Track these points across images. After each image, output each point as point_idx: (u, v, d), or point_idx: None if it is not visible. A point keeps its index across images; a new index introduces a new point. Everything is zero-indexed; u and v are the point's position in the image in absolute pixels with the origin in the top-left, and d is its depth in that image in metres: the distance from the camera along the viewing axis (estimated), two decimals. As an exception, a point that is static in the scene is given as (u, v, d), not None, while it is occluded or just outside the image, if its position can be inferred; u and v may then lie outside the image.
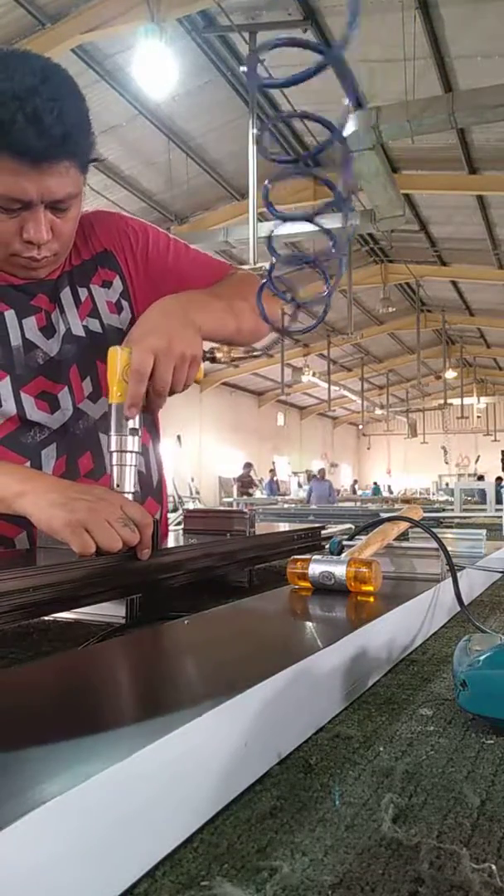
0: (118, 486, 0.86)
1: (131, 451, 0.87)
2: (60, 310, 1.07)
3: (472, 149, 8.66)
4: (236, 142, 8.09)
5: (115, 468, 0.87)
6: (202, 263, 1.20)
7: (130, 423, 0.87)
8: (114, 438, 0.87)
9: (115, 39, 6.57)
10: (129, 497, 0.85)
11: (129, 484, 0.86)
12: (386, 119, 6.56)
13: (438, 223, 11.33)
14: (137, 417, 0.88)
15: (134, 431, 0.87)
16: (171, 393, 0.93)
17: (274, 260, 0.71)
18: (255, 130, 6.83)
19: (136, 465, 0.88)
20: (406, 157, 9.04)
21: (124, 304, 1.12)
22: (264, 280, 0.73)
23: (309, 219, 0.66)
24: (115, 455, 0.87)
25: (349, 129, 6.87)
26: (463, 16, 6.30)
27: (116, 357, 0.88)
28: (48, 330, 1.05)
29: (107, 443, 0.93)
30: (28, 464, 0.99)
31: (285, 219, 0.67)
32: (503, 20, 6.17)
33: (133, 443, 0.88)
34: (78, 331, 1.06)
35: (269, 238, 0.85)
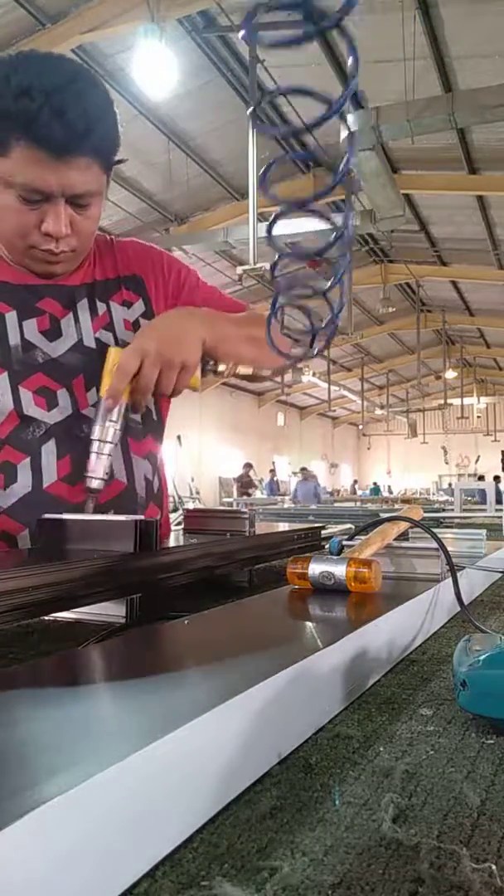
0: (92, 472, 0.94)
1: (109, 443, 0.94)
2: (75, 318, 1.08)
3: (472, 149, 8.66)
4: (236, 142, 8.09)
5: (92, 455, 0.94)
6: (229, 305, 1.25)
7: (111, 416, 0.94)
8: (96, 428, 0.95)
9: (115, 39, 6.57)
10: (100, 483, 0.94)
11: (102, 471, 0.94)
12: (386, 119, 6.56)
13: (438, 223, 11.33)
14: (116, 411, 0.94)
15: (113, 423, 0.94)
16: (161, 396, 0.96)
17: (277, 256, 0.72)
18: (254, 132, 6.83)
19: (110, 456, 0.95)
20: (406, 157, 9.04)
21: (143, 325, 1.13)
22: (272, 310, 0.75)
23: (304, 205, 0.66)
24: (94, 443, 0.95)
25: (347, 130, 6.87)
26: (463, 16, 6.30)
27: (110, 355, 0.96)
28: (51, 333, 1.06)
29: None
30: (28, 459, 1.01)
31: (285, 204, 0.68)
32: (503, 20, 6.17)
33: (111, 434, 0.94)
34: (89, 342, 1.07)
35: (269, 231, 0.85)
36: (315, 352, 0.84)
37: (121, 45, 6.67)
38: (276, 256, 0.74)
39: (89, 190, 0.94)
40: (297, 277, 0.66)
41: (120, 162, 1.00)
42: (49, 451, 1.02)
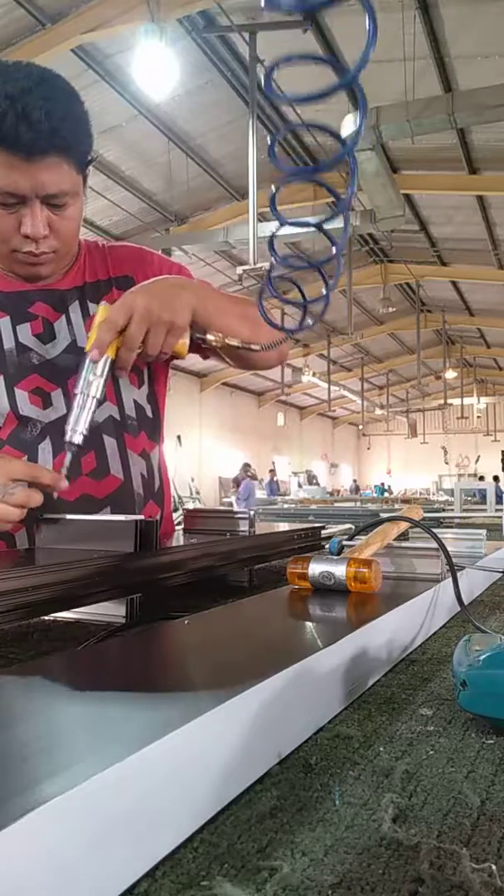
0: (73, 425, 0.89)
1: (92, 396, 0.90)
2: (67, 320, 1.08)
3: (472, 149, 8.66)
4: (236, 142, 8.09)
5: (74, 407, 0.90)
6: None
7: (96, 369, 0.90)
8: (80, 381, 0.90)
9: (115, 39, 6.56)
10: (80, 438, 0.89)
11: (83, 425, 0.90)
12: (386, 119, 6.57)
13: (438, 223, 11.33)
14: (101, 365, 0.90)
15: (96, 377, 0.90)
16: (147, 357, 0.94)
17: (274, 261, 0.73)
18: (254, 135, 6.83)
19: (93, 410, 0.91)
20: (406, 157, 9.04)
21: None
22: (264, 281, 0.75)
23: (318, 226, 0.67)
24: (77, 396, 0.90)
25: (348, 128, 6.88)
26: (463, 16, 6.30)
27: (99, 310, 0.92)
28: (45, 336, 1.07)
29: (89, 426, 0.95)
30: (25, 458, 1.01)
31: (292, 224, 0.69)
32: (503, 20, 6.17)
33: (95, 388, 0.90)
34: (83, 342, 1.08)
35: (271, 240, 0.87)
36: (308, 324, 0.84)
37: (121, 45, 6.66)
38: (272, 233, 0.74)
39: (63, 189, 0.95)
40: (295, 257, 0.67)
41: (92, 161, 1.01)
42: (45, 449, 1.02)
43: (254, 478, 14.08)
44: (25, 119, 0.88)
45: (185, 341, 0.98)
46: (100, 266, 1.16)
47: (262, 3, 0.39)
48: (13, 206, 0.94)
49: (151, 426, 1.18)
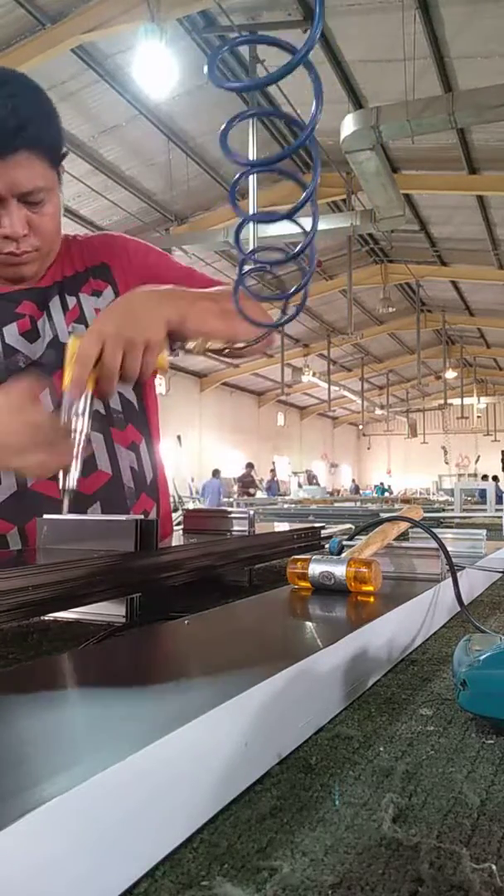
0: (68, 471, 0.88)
1: (79, 433, 0.88)
2: (48, 316, 1.09)
3: (472, 149, 8.66)
4: (236, 142, 8.09)
5: None
6: (204, 282, 1.19)
7: (77, 408, 0.87)
8: (62, 420, 0.88)
9: (115, 39, 6.57)
10: (74, 482, 0.87)
11: (75, 469, 0.88)
12: (386, 119, 6.57)
13: (438, 223, 11.34)
14: (82, 402, 0.88)
15: (78, 415, 0.88)
16: (128, 380, 0.91)
17: (241, 256, 0.73)
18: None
19: (82, 446, 0.89)
20: (406, 157, 9.05)
21: None
22: (238, 277, 0.74)
23: (289, 216, 0.67)
24: None
25: (348, 129, 6.88)
26: (463, 16, 6.30)
27: (70, 345, 0.89)
28: (31, 334, 1.07)
29: (89, 440, 0.94)
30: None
31: (260, 220, 0.69)
32: (503, 20, 6.17)
33: (80, 425, 0.88)
34: (64, 337, 1.08)
35: (237, 234, 0.85)
36: (290, 316, 0.82)
37: (121, 45, 6.67)
38: (241, 221, 0.74)
39: (37, 185, 0.95)
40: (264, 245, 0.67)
41: (64, 156, 1.02)
42: None
43: (216, 475, 14.52)
44: None
45: (164, 355, 0.95)
46: (77, 258, 1.15)
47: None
48: None
49: (139, 418, 1.17)
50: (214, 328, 1.00)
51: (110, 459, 1.09)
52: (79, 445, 0.88)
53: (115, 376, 0.88)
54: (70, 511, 0.88)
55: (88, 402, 0.88)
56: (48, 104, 0.98)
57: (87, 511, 1.04)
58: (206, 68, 0.49)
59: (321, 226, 7.11)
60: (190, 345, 0.98)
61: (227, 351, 1.03)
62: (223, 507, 1.64)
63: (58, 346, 1.07)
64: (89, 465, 1.06)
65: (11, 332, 1.06)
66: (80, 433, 0.88)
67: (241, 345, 1.01)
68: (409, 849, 0.29)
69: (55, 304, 1.10)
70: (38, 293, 1.09)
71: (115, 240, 1.21)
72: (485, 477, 13.99)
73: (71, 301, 1.11)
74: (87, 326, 1.09)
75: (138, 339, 0.88)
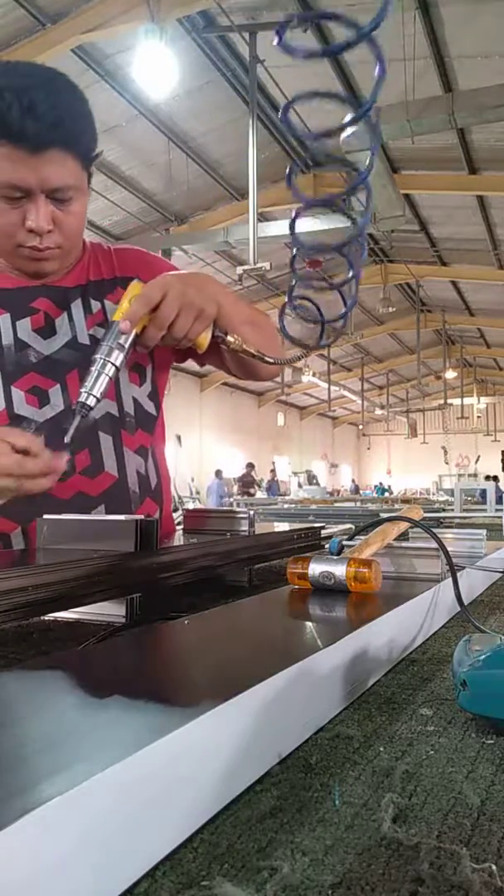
0: (89, 388, 0.89)
1: (112, 364, 0.90)
2: (69, 317, 1.09)
3: (472, 149, 8.66)
4: (236, 142, 8.09)
5: (93, 370, 0.90)
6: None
7: (121, 339, 0.90)
8: (103, 346, 0.90)
9: (115, 39, 6.57)
10: (94, 401, 0.89)
11: (99, 390, 0.89)
12: (386, 119, 6.56)
13: (438, 223, 11.33)
14: (126, 338, 0.91)
15: (120, 347, 0.90)
16: (171, 340, 0.95)
17: (295, 251, 0.75)
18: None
19: (111, 377, 0.91)
20: (406, 157, 9.04)
21: None
22: (287, 300, 0.78)
23: (338, 249, 0.71)
24: (98, 361, 0.90)
25: (348, 129, 6.87)
26: (463, 16, 6.30)
27: (133, 285, 0.94)
28: (45, 331, 1.06)
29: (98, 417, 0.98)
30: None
31: (311, 204, 0.72)
32: (503, 20, 6.17)
33: (116, 357, 0.90)
34: (83, 339, 1.08)
35: (293, 261, 0.87)
36: (327, 341, 0.86)
37: (121, 45, 6.67)
38: (294, 250, 0.77)
39: (67, 183, 0.96)
40: (310, 273, 0.69)
41: (96, 158, 1.02)
42: None
43: (218, 477, 14.66)
44: (31, 112, 0.89)
45: (207, 334, 0.99)
46: (104, 265, 1.16)
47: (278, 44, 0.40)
48: (18, 201, 0.94)
49: (150, 424, 1.18)
50: (248, 334, 1.05)
51: (117, 463, 1.09)
52: (108, 376, 0.90)
53: (165, 328, 0.92)
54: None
55: (131, 341, 0.91)
56: (85, 105, 1.00)
57: (91, 513, 1.04)
58: (276, 40, 0.51)
59: (321, 226, 7.09)
60: (230, 337, 1.01)
61: (253, 358, 1.05)
62: (222, 507, 1.64)
63: (76, 346, 1.07)
64: (96, 466, 1.06)
65: (24, 327, 1.06)
66: (114, 365, 0.90)
67: (269, 359, 1.05)
68: (409, 849, 0.29)
69: (77, 305, 1.10)
70: (57, 291, 1.09)
71: (146, 256, 1.23)
72: (487, 477, 13.98)
73: (95, 305, 1.12)
74: None
75: (196, 304, 0.93)
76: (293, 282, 0.81)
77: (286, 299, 0.81)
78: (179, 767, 0.30)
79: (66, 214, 0.99)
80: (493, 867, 0.27)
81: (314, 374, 16.81)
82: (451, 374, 19.52)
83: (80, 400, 0.89)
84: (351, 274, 0.74)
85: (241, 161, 7.81)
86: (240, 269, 7.34)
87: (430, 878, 0.27)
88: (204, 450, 18.32)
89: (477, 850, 0.29)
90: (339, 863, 0.28)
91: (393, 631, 0.59)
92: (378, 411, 23.03)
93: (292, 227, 0.74)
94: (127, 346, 0.91)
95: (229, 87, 7.66)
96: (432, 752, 0.40)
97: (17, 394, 1.03)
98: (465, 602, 0.71)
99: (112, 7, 6.08)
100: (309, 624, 0.59)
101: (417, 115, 6.41)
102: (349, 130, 0.57)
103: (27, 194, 0.94)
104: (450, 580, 0.72)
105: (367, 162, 0.58)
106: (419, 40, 6.48)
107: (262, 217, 7.93)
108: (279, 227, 8.20)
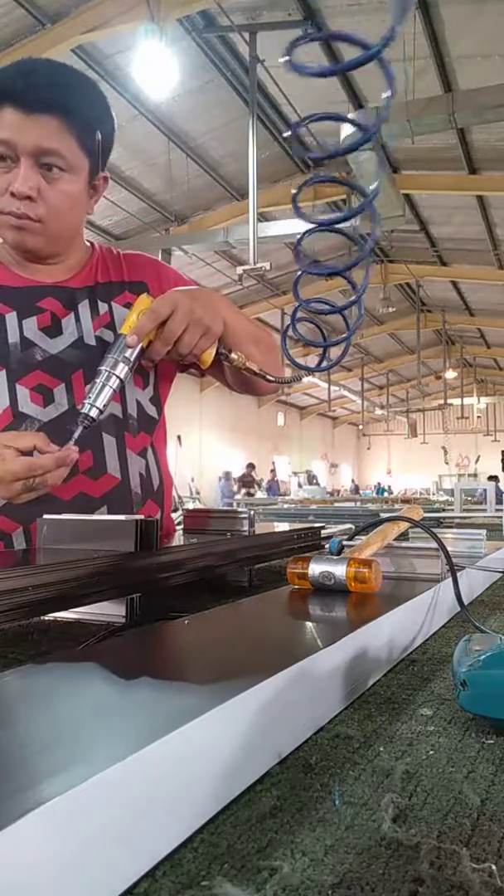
0: (92, 399, 0.90)
1: (117, 376, 0.92)
2: (76, 317, 1.09)
3: (472, 149, 8.66)
4: (236, 142, 8.09)
5: (97, 382, 0.91)
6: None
7: (126, 353, 0.92)
8: (108, 358, 0.92)
9: (115, 39, 6.57)
10: (96, 412, 0.90)
11: (101, 401, 0.91)
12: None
13: (438, 223, 11.33)
14: (132, 351, 0.92)
15: (126, 361, 0.92)
16: (177, 355, 0.96)
17: (300, 273, 0.78)
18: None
19: (116, 390, 0.92)
20: (406, 157, 9.04)
21: None
22: (290, 323, 0.81)
23: (341, 273, 0.73)
24: (103, 372, 0.91)
25: (348, 129, 6.87)
26: (463, 16, 6.30)
27: (141, 299, 0.95)
28: (51, 330, 1.06)
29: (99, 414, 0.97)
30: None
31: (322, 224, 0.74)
32: (503, 20, 6.17)
33: (121, 370, 0.92)
34: (90, 339, 1.08)
35: (295, 283, 0.89)
36: (328, 364, 0.89)
37: (121, 45, 6.67)
38: (299, 274, 0.79)
39: (52, 147, 0.96)
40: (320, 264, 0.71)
41: (103, 151, 1.07)
42: None
43: (226, 478, 15.01)
44: (30, 76, 0.94)
45: (212, 350, 1.00)
46: (113, 269, 1.17)
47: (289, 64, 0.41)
48: (7, 165, 0.96)
49: (153, 426, 1.18)
50: (251, 350, 1.06)
51: (120, 464, 1.09)
52: (112, 388, 0.91)
53: (171, 343, 0.94)
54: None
55: (137, 354, 0.93)
56: (95, 91, 1.05)
57: (93, 514, 1.04)
58: (284, 58, 0.53)
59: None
60: (234, 355, 1.03)
61: (255, 375, 1.07)
62: (222, 507, 1.64)
63: (82, 347, 1.07)
64: (98, 467, 1.07)
65: (30, 326, 1.06)
66: (118, 378, 0.92)
67: (271, 378, 1.07)
68: (409, 849, 0.29)
69: (84, 306, 1.10)
70: (65, 292, 1.09)
71: (156, 263, 1.24)
72: (490, 478, 13.97)
73: (102, 307, 1.12)
74: (114, 332, 1.10)
75: (204, 322, 0.95)
76: (297, 304, 0.83)
77: (290, 322, 0.83)
78: (179, 767, 0.30)
79: (52, 188, 0.98)
80: (493, 867, 0.27)
81: (314, 374, 16.79)
82: (451, 374, 19.51)
83: (83, 411, 0.89)
84: (357, 296, 0.77)
85: (241, 161, 7.82)
86: (240, 269, 7.34)
87: (430, 878, 0.27)
88: (204, 450, 18.31)
89: (477, 850, 0.29)
90: (339, 863, 0.28)
91: (393, 631, 0.59)
92: (378, 411, 23.03)
93: (297, 251, 0.76)
94: (133, 359, 0.92)
95: (229, 87, 7.65)
96: (432, 752, 0.40)
97: (23, 391, 1.03)
98: (465, 602, 0.71)
99: (112, 7, 6.08)
100: (309, 624, 0.59)
101: (417, 115, 6.41)
102: (354, 137, 0.57)
103: (15, 158, 0.95)
104: (450, 580, 0.72)
105: (373, 187, 0.59)
106: (419, 40, 6.48)
107: (262, 217, 7.93)
108: (279, 228, 8.21)
